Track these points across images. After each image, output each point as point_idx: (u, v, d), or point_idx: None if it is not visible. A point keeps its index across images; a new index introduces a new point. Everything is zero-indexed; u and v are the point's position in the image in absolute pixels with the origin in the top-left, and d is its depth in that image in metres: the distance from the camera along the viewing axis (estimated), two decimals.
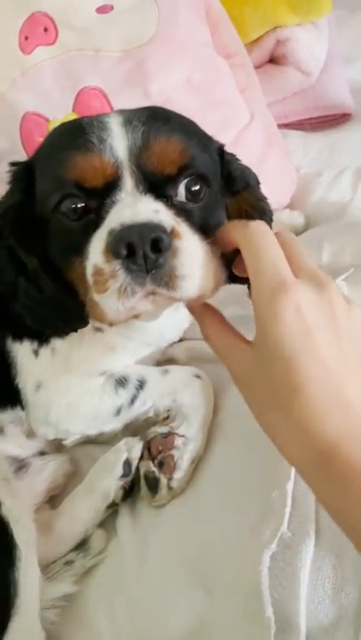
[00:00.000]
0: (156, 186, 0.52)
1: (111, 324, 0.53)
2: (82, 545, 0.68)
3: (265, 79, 1.03)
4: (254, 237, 0.49)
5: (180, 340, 0.85)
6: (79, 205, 0.53)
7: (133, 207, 0.50)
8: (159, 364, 0.83)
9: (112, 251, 0.48)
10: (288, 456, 0.47)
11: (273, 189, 0.94)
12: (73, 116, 0.86)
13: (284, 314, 0.45)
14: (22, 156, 0.92)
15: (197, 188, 0.54)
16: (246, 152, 0.89)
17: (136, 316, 0.53)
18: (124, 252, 0.47)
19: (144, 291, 0.49)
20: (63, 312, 0.58)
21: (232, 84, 0.91)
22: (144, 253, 0.47)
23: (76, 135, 0.54)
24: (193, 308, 0.56)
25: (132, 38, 0.85)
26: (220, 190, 0.59)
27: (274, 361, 0.45)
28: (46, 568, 0.65)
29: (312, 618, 0.55)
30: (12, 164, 0.61)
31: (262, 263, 0.48)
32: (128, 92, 0.84)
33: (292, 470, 0.62)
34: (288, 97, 1.08)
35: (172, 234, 0.49)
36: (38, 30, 0.87)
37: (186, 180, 0.53)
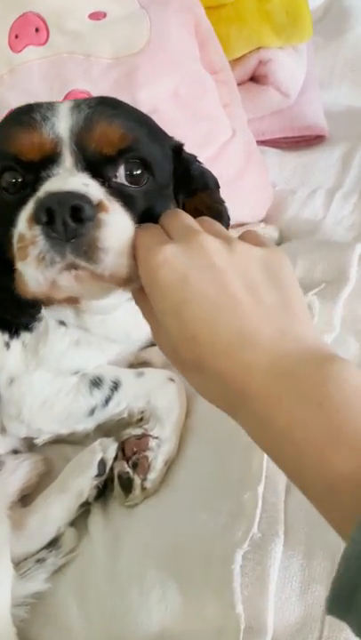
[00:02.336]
0: (95, 165, 0.53)
1: (34, 298, 0.52)
2: (53, 543, 0.68)
3: (246, 96, 1.06)
4: (139, 228, 0.51)
5: (155, 345, 0.87)
6: (18, 180, 0.53)
7: (64, 180, 0.51)
8: (132, 366, 0.84)
9: (35, 217, 0.48)
10: (215, 404, 0.47)
11: (250, 204, 0.99)
12: None
13: (157, 271, 0.45)
14: None
15: (138, 172, 0.55)
16: (227, 166, 0.93)
17: (72, 300, 0.54)
18: (44, 219, 0.47)
19: (64, 262, 0.48)
20: (16, 299, 0.56)
21: (216, 99, 0.94)
22: (64, 221, 0.47)
23: (23, 114, 0.56)
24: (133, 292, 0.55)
25: (122, 47, 0.87)
26: (168, 184, 0.60)
27: (165, 318, 0.46)
28: (17, 565, 0.65)
29: (279, 615, 0.57)
30: None
31: (141, 238, 0.50)
32: None
33: (263, 473, 0.64)
34: (266, 116, 1.12)
35: (99, 207, 0.49)
36: (29, 30, 0.87)
37: (126, 164, 0.54)
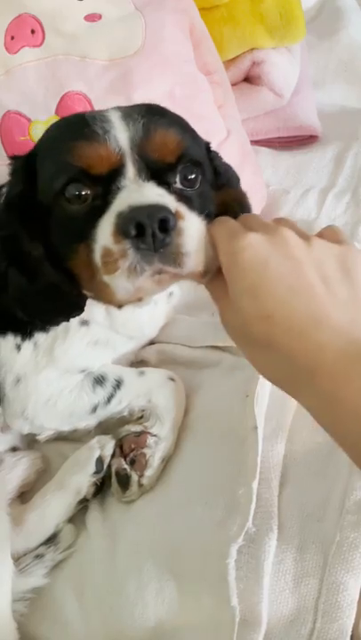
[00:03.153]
0: (157, 173, 0.56)
1: (120, 306, 0.57)
2: (52, 539, 0.69)
3: (239, 97, 1.07)
4: (216, 221, 0.55)
5: (152, 343, 0.88)
6: (83, 192, 0.56)
7: (140, 191, 0.53)
8: (131, 364, 0.86)
9: (121, 231, 0.51)
10: (276, 382, 0.50)
11: None
12: (56, 119, 0.87)
13: (241, 253, 0.49)
14: (1, 155, 0.93)
15: (193, 176, 0.58)
16: None
17: (139, 299, 0.56)
18: (134, 232, 0.50)
19: (151, 270, 0.52)
20: (58, 301, 0.61)
21: (211, 100, 0.95)
22: (153, 233, 0.50)
23: (81, 126, 0.57)
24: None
25: (118, 48, 0.87)
26: (212, 181, 0.63)
27: (242, 296, 0.49)
28: (17, 561, 0.66)
29: (273, 607, 0.59)
30: (12, 158, 0.64)
31: (220, 230, 0.53)
32: (112, 100, 0.85)
33: (257, 469, 0.66)
34: (260, 116, 1.13)
35: (177, 215, 0.52)
36: (25, 31, 0.88)
37: (182, 168, 0.57)
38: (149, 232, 0.50)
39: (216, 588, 0.59)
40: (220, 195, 0.64)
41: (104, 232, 0.53)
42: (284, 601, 0.59)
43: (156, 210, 0.51)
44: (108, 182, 0.55)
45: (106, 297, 0.55)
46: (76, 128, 0.58)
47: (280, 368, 0.48)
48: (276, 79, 1.09)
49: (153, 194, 0.53)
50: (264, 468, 0.66)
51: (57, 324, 0.66)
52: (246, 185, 0.96)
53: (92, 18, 0.88)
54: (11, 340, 0.69)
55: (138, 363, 0.85)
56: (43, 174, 0.60)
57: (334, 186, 1.06)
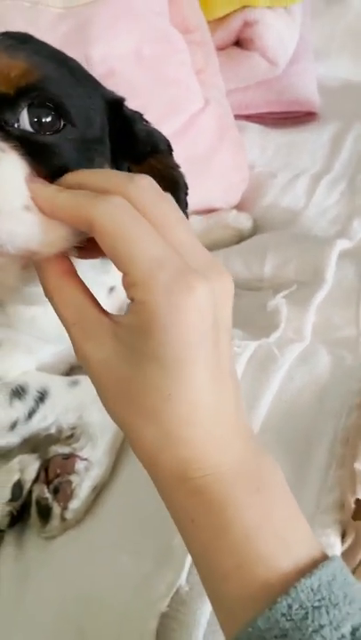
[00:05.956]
0: None
1: None
2: None
3: (226, 63, 0.95)
4: (117, 213, 0.37)
5: None
6: None
7: None
8: (73, 370, 0.75)
9: None
10: (144, 459, 0.41)
11: (222, 186, 0.88)
12: None
13: (186, 315, 0.36)
14: None
15: (49, 120, 0.44)
16: (195, 141, 0.81)
17: None
18: None
19: None
20: None
21: (187, 62, 0.82)
22: None
23: None
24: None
25: None
26: (99, 140, 0.49)
27: (153, 360, 0.37)
28: None
29: None
30: None
31: (135, 247, 0.37)
32: None
33: None
34: (251, 86, 1.00)
35: None
36: None
37: (30, 107, 0.43)
38: None
39: None
40: (139, 169, 0.52)
41: None
42: None
43: None
44: None
45: None
46: None
47: (154, 440, 0.40)
48: (270, 43, 0.97)
49: None
50: None
51: None
52: (223, 165, 0.84)
53: None
54: None
55: (79, 370, 0.74)
56: None
57: (329, 171, 0.95)
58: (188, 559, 0.53)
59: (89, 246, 0.42)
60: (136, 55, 0.76)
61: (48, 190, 0.40)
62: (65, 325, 0.41)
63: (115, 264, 0.38)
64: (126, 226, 0.37)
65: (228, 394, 0.41)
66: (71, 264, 0.42)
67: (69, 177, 0.42)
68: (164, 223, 0.38)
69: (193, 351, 0.38)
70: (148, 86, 0.77)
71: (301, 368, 0.67)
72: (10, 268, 0.43)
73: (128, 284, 0.37)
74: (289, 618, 0.35)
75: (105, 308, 0.43)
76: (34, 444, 0.67)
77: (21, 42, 0.47)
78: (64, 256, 0.41)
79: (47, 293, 0.41)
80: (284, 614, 0.35)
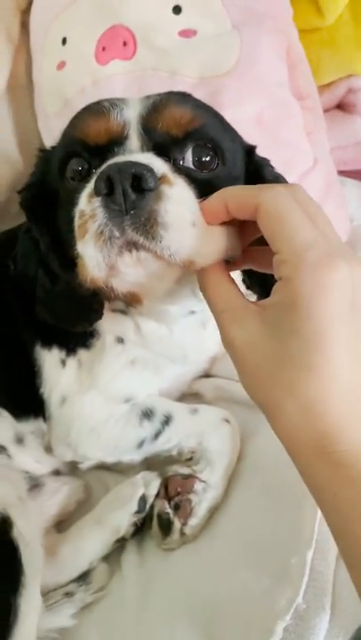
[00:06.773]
0: (162, 148, 0.50)
1: (95, 286, 0.48)
2: (84, 577, 0.66)
3: (330, 124, 1.01)
4: (280, 200, 0.43)
5: (209, 376, 0.83)
6: (85, 167, 0.52)
7: (128, 157, 0.48)
8: (184, 397, 0.81)
9: (94, 189, 0.45)
10: (284, 434, 0.42)
11: None
12: None
13: (328, 291, 0.39)
14: None
15: (207, 159, 0.52)
16: None
17: (135, 299, 0.52)
18: (104, 190, 0.44)
19: (123, 238, 0.44)
20: (76, 303, 0.56)
21: (301, 125, 0.90)
22: (124, 190, 0.43)
23: (93, 104, 0.55)
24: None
25: (210, 67, 0.83)
26: (240, 177, 0.57)
27: (294, 334, 0.40)
28: (45, 595, 0.63)
29: None
30: (40, 150, 0.62)
31: (292, 228, 0.42)
32: None
33: (314, 537, 0.60)
34: (350, 144, 1.07)
35: (163, 180, 0.45)
36: (117, 43, 0.86)
37: (194, 148, 0.51)
38: (118, 188, 0.43)
39: None
40: None
41: (83, 196, 0.48)
42: None
43: (132, 165, 0.44)
44: (108, 154, 0.50)
45: (81, 273, 0.48)
46: (89, 106, 0.55)
47: (291, 413, 0.41)
48: None
49: (140, 156, 0.47)
50: (321, 537, 0.60)
51: (81, 328, 0.61)
52: (329, 217, 0.90)
53: (187, 34, 0.85)
54: (56, 354, 0.67)
55: (192, 396, 0.80)
56: (53, 159, 0.57)
57: None
58: (305, 579, 0.57)
59: (235, 262, 0.50)
60: (258, 119, 0.84)
61: (216, 196, 0.47)
62: (215, 313, 0.46)
63: (270, 243, 0.43)
64: (287, 209, 0.43)
65: None
66: (222, 263, 0.48)
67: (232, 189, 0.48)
68: (317, 217, 0.43)
69: (333, 326, 0.39)
70: (266, 146, 0.83)
71: None
72: (167, 278, 0.51)
73: (278, 262, 0.42)
74: None
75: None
76: (150, 464, 0.74)
77: (184, 97, 0.56)
78: (220, 263, 0.48)
79: (202, 286, 0.48)
80: None
